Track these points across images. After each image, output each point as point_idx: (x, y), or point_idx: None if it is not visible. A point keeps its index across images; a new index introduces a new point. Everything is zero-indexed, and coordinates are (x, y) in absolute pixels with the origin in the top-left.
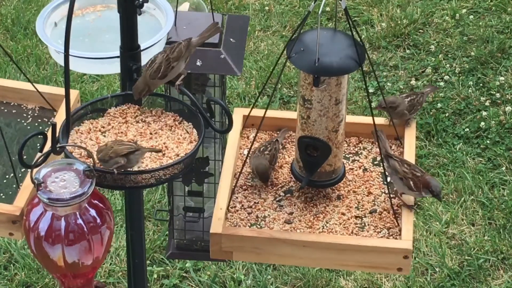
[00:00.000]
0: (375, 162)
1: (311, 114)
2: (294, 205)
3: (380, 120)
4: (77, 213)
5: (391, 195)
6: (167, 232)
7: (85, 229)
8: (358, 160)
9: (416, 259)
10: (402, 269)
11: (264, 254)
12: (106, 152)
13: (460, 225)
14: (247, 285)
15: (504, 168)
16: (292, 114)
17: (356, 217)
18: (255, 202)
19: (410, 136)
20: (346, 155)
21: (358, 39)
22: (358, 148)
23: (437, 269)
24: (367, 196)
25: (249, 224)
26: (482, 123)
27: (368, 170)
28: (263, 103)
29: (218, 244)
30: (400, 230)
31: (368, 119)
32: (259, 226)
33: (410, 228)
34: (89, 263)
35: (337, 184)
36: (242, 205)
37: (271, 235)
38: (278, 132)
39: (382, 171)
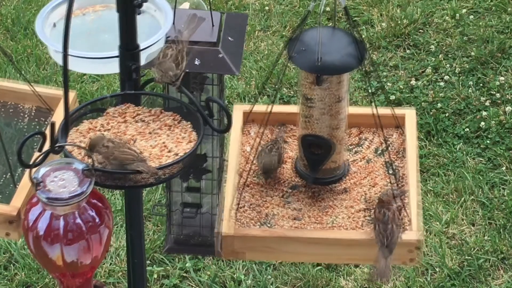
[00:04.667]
0: (378, 152)
1: (313, 112)
2: (302, 201)
3: (380, 110)
4: (76, 212)
5: (398, 185)
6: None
7: (84, 229)
8: (360, 151)
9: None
10: (413, 260)
11: (276, 253)
12: (107, 156)
13: (460, 225)
14: (247, 285)
15: (504, 168)
16: (292, 108)
17: (364, 209)
18: (262, 200)
19: (411, 125)
20: (348, 147)
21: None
22: (360, 138)
23: (437, 269)
24: (373, 187)
25: (259, 223)
26: (482, 123)
27: (371, 160)
28: (263, 103)
29: (231, 245)
30: (409, 221)
31: (368, 110)
32: (269, 225)
33: (419, 218)
34: (88, 263)
35: (341, 180)
36: (250, 204)
37: (284, 234)
38: (277, 129)
39: (386, 160)
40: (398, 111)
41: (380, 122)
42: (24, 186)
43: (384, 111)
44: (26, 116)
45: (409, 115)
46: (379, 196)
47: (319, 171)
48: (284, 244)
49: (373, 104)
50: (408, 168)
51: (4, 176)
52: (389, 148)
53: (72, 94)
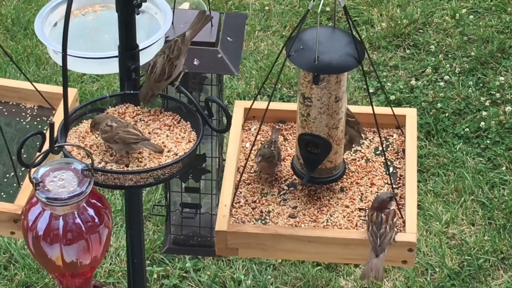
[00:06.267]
0: (377, 152)
1: (311, 111)
2: (298, 199)
3: (380, 110)
4: (75, 212)
5: (394, 186)
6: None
7: (83, 229)
8: (360, 151)
9: (416, 259)
10: (406, 262)
11: (270, 250)
12: (112, 135)
13: (460, 225)
14: (247, 285)
15: (504, 168)
16: (293, 106)
17: (360, 209)
18: (259, 197)
19: (411, 126)
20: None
21: (358, 37)
22: None
23: (437, 269)
24: (370, 187)
25: (254, 220)
26: (482, 123)
27: (370, 160)
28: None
29: (223, 241)
30: (404, 222)
31: (369, 109)
32: (263, 222)
33: (414, 220)
34: (87, 263)
35: (338, 180)
36: (246, 200)
37: (276, 231)
38: (275, 128)
39: (384, 161)
40: (399, 111)
41: (376, 121)
42: (28, 184)
43: (385, 110)
44: (28, 115)
45: (410, 115)
46: (373, 202)
47: (315, 171)
48: (278, 242)
49: (371, 101)
50: (407, 169)
51: (8, 175)
52: (389, 148)
53: (73, 92)
